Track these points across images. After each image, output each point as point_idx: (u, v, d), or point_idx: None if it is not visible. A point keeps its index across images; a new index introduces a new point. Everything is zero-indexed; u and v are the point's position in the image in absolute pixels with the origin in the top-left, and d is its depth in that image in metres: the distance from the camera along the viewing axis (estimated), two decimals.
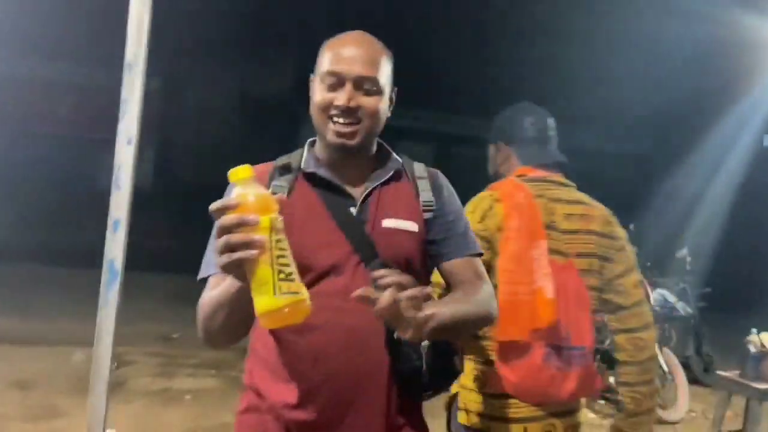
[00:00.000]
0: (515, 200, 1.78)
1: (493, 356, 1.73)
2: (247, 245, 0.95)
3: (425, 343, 1.30)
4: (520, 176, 1.86)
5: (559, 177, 1.88)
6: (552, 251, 1.74)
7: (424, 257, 1.36)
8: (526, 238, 1.73)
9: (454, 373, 1.39)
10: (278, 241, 0.97)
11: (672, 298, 5.75)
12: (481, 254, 1.41)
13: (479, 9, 10.01)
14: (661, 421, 4.87)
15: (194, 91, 13.14)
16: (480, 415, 1.73)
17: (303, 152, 1.40)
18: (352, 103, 1.28)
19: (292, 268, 0.97)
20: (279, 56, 12.97)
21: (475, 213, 1.78)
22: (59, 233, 9.52)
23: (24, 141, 11.91)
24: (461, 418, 1.76)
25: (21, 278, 7.05)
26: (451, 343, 1.37)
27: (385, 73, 1.33)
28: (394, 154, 1.42)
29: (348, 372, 1.24)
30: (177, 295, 7.38)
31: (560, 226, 1.78)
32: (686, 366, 5.47)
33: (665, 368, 5.10)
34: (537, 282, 1.70)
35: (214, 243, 0.99)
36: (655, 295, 5.51)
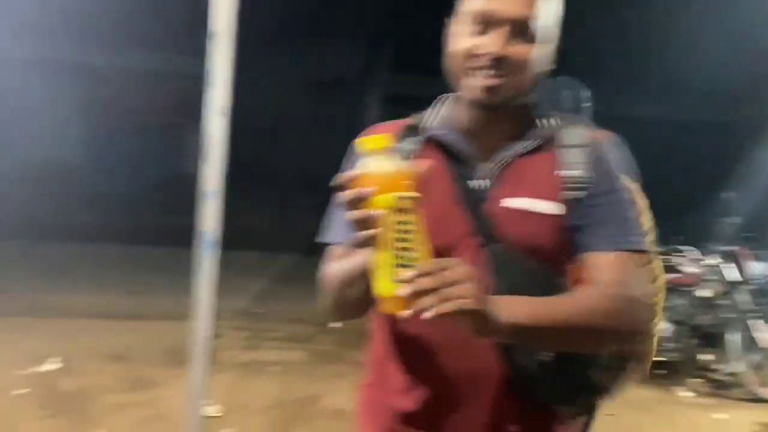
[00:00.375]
0: None
1: None
2: (364, 223, 0.89)
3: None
4: None
5: None
6: None
7: (566, 249, 1.09)
8: None
9: (591, 388, 1.12)
10: (401, 222, 0.88)
11: None
12: (643, 251, 1.10)
13: None
14: (761, 400, 4.60)
15: (262, 77, 13.33)
16: None
17: (435, 110, 1.19)
18: (503, 51, 1.04)
19: (416, 254, 0.88)
20: (345, 39, 12.97)
21: None
22: (146, 215, 9.93)
23: (110, 128, 12.47)
24: None
25: (113, 258, 7.40)
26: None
27: (546, 15, 1.08)
28: (547, 120, 1.15)
29: (452, 369, 1.11)
30: (259, 271, 7.59)
31: None
32: None
33: (763, 345, 4.81)
34: None
35: (335, 212, 0.95)
36: (755, 269, 5.18)
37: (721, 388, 4.82)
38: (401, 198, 0.88)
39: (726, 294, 4.84)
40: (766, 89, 9.13)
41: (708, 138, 10.81)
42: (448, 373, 1.11)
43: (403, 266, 0.88)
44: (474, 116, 1.12)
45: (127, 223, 9.46)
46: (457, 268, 0.89)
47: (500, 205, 1.09)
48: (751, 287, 4.95)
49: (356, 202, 0.89)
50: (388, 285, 0.88)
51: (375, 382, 1.23)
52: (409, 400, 1.14)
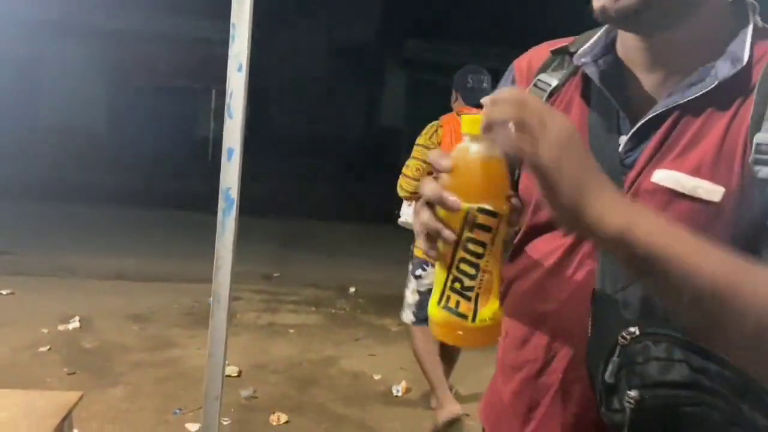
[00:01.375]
0: (451, 126, 3.02)
1: None
2: (434, 231, 0.69)
3: (634, 395, 0.71)
4: (458, 113, 3.07)
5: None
6: None
7: (737, 248, 0.67)
8: (452, 147, 2.54)
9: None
10: (470, 241, 0.69)
11: None
12: None
13: None
14: None
15: (281, 42, 13.23)
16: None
17: (599, 32, 0.87)
18: None
19: (475, 282, 0.70)
20: (364, 2, 12.81)
21: (426, 133, 3.07)
22: (168, 178, 10.00)
23: (133, 92, 12.50)
24: (415, 250, 3.19)
25: (135, 220, 7.48)
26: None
27: None
28: (740, 42, 0.75)
29: (533, 365, 0.88)
30: (275, 237, 7.64)
31: None
32: None
33: None
34: None
35: None
36: None
37: None
38: (480, 210, 0.68)
39: None
40: None
41: None
42: (533, 372, 0.89)
43: (458, 293, 0.71)
44: (629, 43, 0.81)
45: (149, 186, 9.53)
46: (545, 114, 0.63)
47: (650, 179, 0.77)
48: None
49: (431, 202, 0.69)
50: (433, 306, 0.73)
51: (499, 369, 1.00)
52: (507, 386, 0.94)
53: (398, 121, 13.93)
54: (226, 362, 3.63)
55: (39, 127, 10.81)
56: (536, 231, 0.89)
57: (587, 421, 0.81)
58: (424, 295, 3.13)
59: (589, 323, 0.78)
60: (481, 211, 0.68)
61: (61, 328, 4.08)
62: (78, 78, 11.99)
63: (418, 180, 2.98)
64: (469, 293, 0.71)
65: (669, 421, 0.70)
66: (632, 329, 0.72)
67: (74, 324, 4.15)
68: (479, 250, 0.70)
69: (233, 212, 1.88)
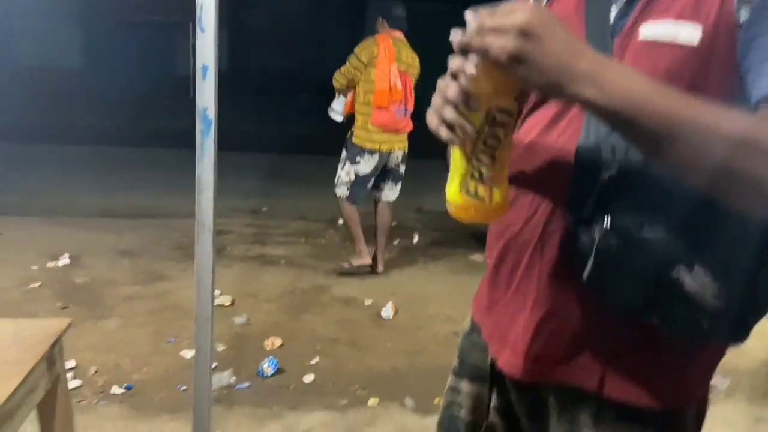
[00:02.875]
0: (386, 44, 4.02)
1: (372, 111, 4.04)
2: (451, 126, 0.78)
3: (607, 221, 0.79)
4: (387, 34, 4.08)
5: (402, 36, 4.15)
6: (399, 68, 4.03)
7: (719, 92, 0.76)
8: (387, 61, 4.00)
9: (678, 295, 0.78)
10: (489, 136, 0.80)
11: None
12: None
13: None
14: None
15: None
16: (363, 138, 4.13)
17: None
18: None
19: (491, 171, 0.82)
20: None
21: (362, 49, 4.04)
22: (149, 116, 9.83)
23: (109, 29, 12.10)
24: (354, 140, 4.16)
25: (117, 159, 7.38)
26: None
27: None
28: None
29: (515, 226, 0.94)
30: (261, 172, 7.59)
31: (402, 58, 4.07)
32: None
33: None
34: (393, 80, 4.00)
35: None
36: None
37: None
38: (498, 109, 0.79)
39: None
40: None
41: None
42: (511, 229, 0.95)
43: (476, 179, 0.83)
44: None
45: (130, 125, 9.37)
46: (510, 12, 0.69)
47: (634, 35, 0.84)
48: None
49: (454, 98, 0.77)
50: (455, 192, 0.85)
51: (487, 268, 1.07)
52: (491, 262, 1.01)
53: None
54: (218, 292, 3.67)
55: (14, 67, 10.49)
56: (530, 110, 0.96)
57: (562, 271, 0.88)
58: (358, 178, 4.18)
59: (572, 171, 0.85)
60: (499, 109, 0.79)
61: (50, 264, 4.08)
62: (54, 16, 11.58)
63: (345, 77, 4.09)
64: (487, 180, 0.83)
65: (627, 246, 0.77)
66: (611, 171, 0.80)
67: (64, 260, 4.14)
68: (495, 143, 0.81)
69: (212, 133, 1.84)
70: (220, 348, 3.07)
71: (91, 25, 12.25)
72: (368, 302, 3.81)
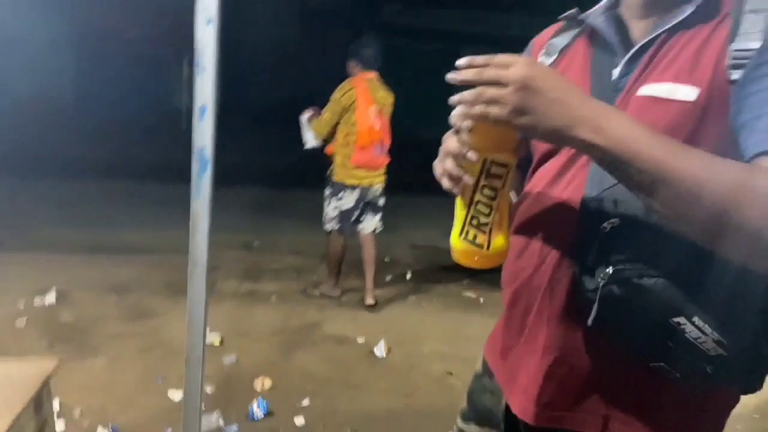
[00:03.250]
0: (362, 87, 4.19)
1: (351, 152, 4.21)
2: (450, 177, 0.89)
3: (608, 270, 0.83)
4: (361, 76, 4.23)
5: (375, 76, 4.29)
6: (376, 109, 4.20)
7: (713, 146, 0.80)
8: (365, 104, 4.16)
9: (685, 346, 0.80)
10: (485, 187, 0.89)
11: None
12: None
13: None
14: None
15: (254, 8, 12.93)
16: (343, 175, 4.28)
17: None
18: None
19: (489, 219, 0.91)
20: None
21: (341, 90, 4.21)
22: (142, 149, 9.81)
23: (102, 62, 12.15)
24: (335, 178, 4.32)
25: (108, 193, 7.33)
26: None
27: None
28: None
29: (526, 271, 0.99)
30: (253, 206, 7.56)
31: (378, 99, 4.23)
32: None
33: None
34: (372, 122, 4.18)
35: None
36: None
37: None
38: (493, 162, 0.88)
39: None
40: None
41: None
42: (521, 275, 1.00)
43: (474, 227, 0.91)
44: (630, 1, 0.97)
45: (122, 158, 9.35)
46: (506, 65, 0.76)
47: (637, 94, 0.90)
48: None
49: (458, 156, 0.87)
50: (456, 238, 0.93)
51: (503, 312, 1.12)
52: (507, 307, 1.06)
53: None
54: (208, 329, 3.61)
55: (4, 98, 10.50)
56: (540, 161, 1.04)
57: (571, 317, 0.92)
58: (344, 213, 4.37)
59: (577, 220, 0.90)
60: (495, 162, 0.88)
61: (37, 301, 4.01)
62: (46, 48, 11.64)
63: (329, 125, 4.26)
64: (484, 228, 0.91)
65: (628, 295, 0.81)
66: (613, 220, 0.84)
67: (51, 297, 4.07)
68: (493, 194, 0.90)
69: (208, 172, 1.83)
70: (208, 389, 3.01)
71: (83, 57, 12.32)
72: (361, 340, 3.77)
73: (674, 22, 0.89)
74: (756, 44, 0.81)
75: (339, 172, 4.33)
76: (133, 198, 7.12)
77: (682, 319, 0.79)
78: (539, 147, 1.03)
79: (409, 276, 5.24)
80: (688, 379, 0.85)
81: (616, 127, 0.75)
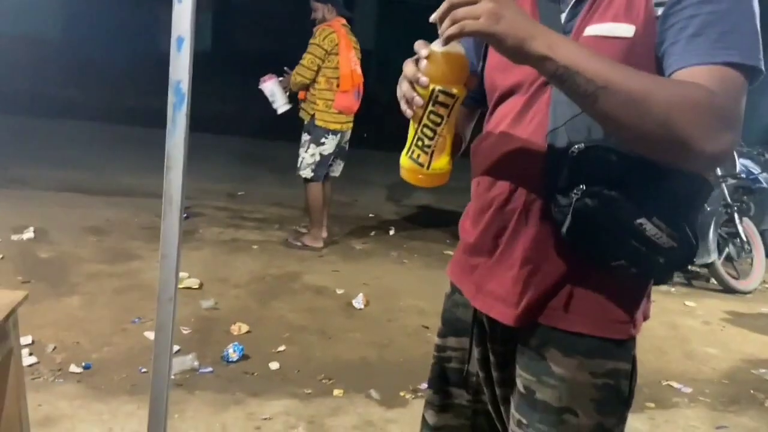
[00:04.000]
0: (341, 31, 4.26)
1: (334, 96, 4.27)
2: (406, 99, 0.98)
3: (581, 187, 0.96)
4: (337, 20, 4.31)
5: (346, 22, 4.38)
6: (355, 53, 4.35)
7: (650, 73, 0.94)
8: (347, 48, 4.26)
9: (635, 236, 0.95)
10: (432, 112, 0.97)
11: (756, 169, 5.41)
12: (732, 63, 0.91)
13: None
14: (734, 291, 4.73)
15: None
16: (327, 120, 4.32)
17: None
18: None
19: (432, 142, 0.99)
20: None
21: (320, 35, 4.22)
22: (126, 93, 9.61)
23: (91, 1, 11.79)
24: (317, 123, 4.32)
25: (92, 135, 7.21)
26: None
27: None
28: None
29: (500, 198, 1.10)
30: (240, 155, 7.49)
31: (354, 45, 4.35)
32: (764, 238, 5.24)
33: (743, 238, 4.89)
34: (353, 66, 4.31)
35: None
36: (739, 164, 5.18)
37: (695, 278, 4.94)
38: (440, 91, 0.96)
39: None
40: None
41: None
42: (493, 203, 1.12)
43: (419, 147, 1.00)
44: None
45: (108, 100, 9.16)
46: None
47: (583, 34, 1.02)
48: (732, 182, 4.97)
49: (412, 81, 0.97)
50: (403, 155, 1.02)
51: (460, 242, 1.24)
52: (469, 236, 1.18)
53: (368, 43, 13.52)
54: (187, 274, 3.59)
55: None
56: (499, 101, 1.14)
57: (545, 232, 1.05)
58: (323, 158, 4.37)
59: (546, 150, 1.02)
60: (441, 91, 0.96)
61: (14, 237, 3.97)
62: None
63: (312, 69, 4.22)
64: (427, 149, 1.00)
65: (599, 205, 0.95)
66: (579, 145, 0.97)
67: (28, 234, 4.03)
68: (438, 119, 0.98)
69: (184, 107, 1.76)
70: (185, 331, 3.01)
71: None
72: (340, 291, 3.77)
73: None
74: None
75: (321, 117, 4.31)
76: (119, 141, 7.01)
77: (643, 220, 0.95)
78: (498, 87, 1.13)
79: (392, 232, 5.24)
80: (644, 272, 1.03)
81: (566, 45, 0.89)
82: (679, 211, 0.97)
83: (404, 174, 1.04)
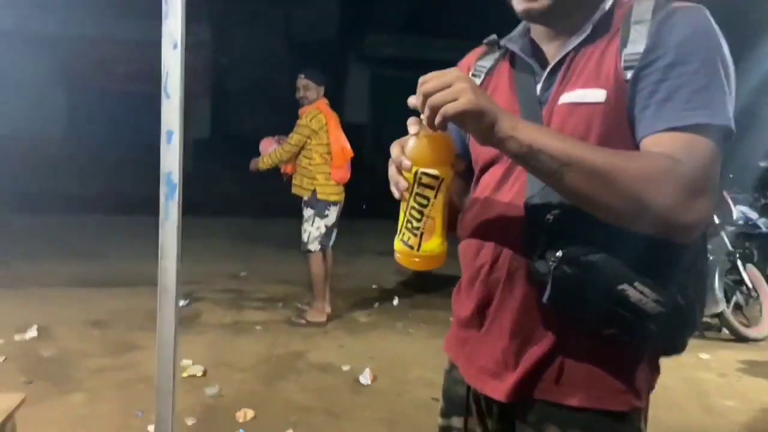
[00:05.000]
0: (326, 111, 4.48)
1: (330, 170, 4.43)
2: (395, 182, 0.99)
3: (558, 254, 0.96)
4: (322, 101, 4.51)
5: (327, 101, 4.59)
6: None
7: (624, 135, 0.99)
8: (335, 127, 4.47)
9: (622, 304, 0.94)
10: (418, 194, 0.98)
11: (754, 215, 5.42)
12: (700, 125, 0.92)
13: None
14: (746, 339, 4.65)
15: (242, 40, 13.08)
16: (328, 193, 4.45)
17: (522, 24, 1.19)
18: None
19: (420, 224, 0.99)
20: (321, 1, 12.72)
21: (308, 116, 4.42)
22: (124, 183, 9.78)
23: (86, 98, 12.19)
24: (320, 197, 4.43)
25: (92, 227, 7.29)
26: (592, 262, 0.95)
27: None
28: (606, 3, 1.06)
29: (485, 268, 1.10)
30: (241, 236, 7.54)
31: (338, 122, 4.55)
32: None
33: (749, 285, 4.84)
34: (342, 143, 4.49)
35: None
36: (736, 211, 5.19)
37: (707, 329, 4.86)
38: (424, 173, 0.96)
39: (710, 236, 4.83)
40: None
41: None
42: (481, 274, 1.11)
43: (410, 231, 0.99)
44: (539, 27, 1.12)
45: (107, 192, 9.31)
46: (442, 76, 0.90)
47: (558, 103, 1.05)
48: (732, 229, 4.97)
49: (396, 165, 0.98)
50: (396, 239, 1.02)
51: (454, 315, 1.24)
52: (462, 308, 1.17)
53: (361, 117, 13.85)
54: (190, 362, 3.55)
55: None
56: (483, 170, 1.16)
57: (530, 301, 1.04)
58: (328, 229, 4.48)
59: (524, 217, 1.03)
60: (425, 174, 0.96)
61: (17, 338, 3.94)
62: (36, 85, 11.69)
63: (296, 149, 4.42)
64: (415, 231, 0.99)
65: (578, 272, 0.94)
66: (555, 212, 0.97)
67: (32, 333, 4.00)
68: (424, 201, 0.98)
69: (176, 197, 1.81)
70: (189, 422, 2.95)
71: (71, 94, 12.36)
72: (346, 368, 3.71)
73: (579, 41, 1.05)
74: (641, 47, 0.97)
75: (323, 191, 4.44)
76: (118, 231, 7.09)
77: (625, 286, 0.93)
78: (480, 158, 1.16)
79: (396, 302, 5.20)
80: (636, 341, 0.99)
81: (528, 126, 0.92)
82: (663, 275, 0.94)
83: (398, 258, 1.03)
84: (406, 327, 4.59)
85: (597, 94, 1.00)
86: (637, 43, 0.98)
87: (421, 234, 0.98)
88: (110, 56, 12.19)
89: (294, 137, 4.41)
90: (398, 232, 1.01)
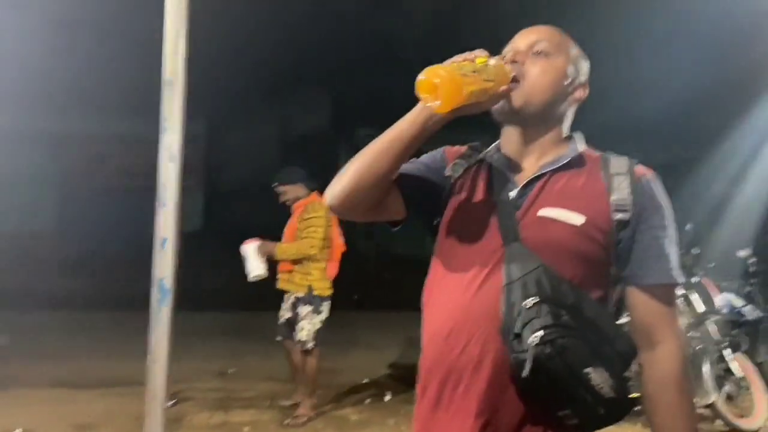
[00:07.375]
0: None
1: (326, 265, 4.48)
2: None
3: (537, 334, 1.08)
4: (315, 195, 4.48)
5: None
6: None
7: (597, 261, 1.19)
8: (335, 221, 4.45)
9: (590, 393, 1.08)
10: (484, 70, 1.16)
11: (739, 302, 5.47)
12: (677, 284, 1.23)
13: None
14: (740, 431, 4.59)
15: (237, 134, 13.45)
16: (323, 288, 4.47)
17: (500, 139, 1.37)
18: (516, 58, 1.24)
19: (473, 74, 1.14)
20: (316, 95, 13.21)
21: (320, 210, 4.34)
22: (113, 279, 9.75)
23: (77, 195, 12.35)
24: (316, 293, 4.42)
25: (79, 325, 7.20)
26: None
27: (558, 43, 1.28)
28: (579, 144, 1.30)
29: (455, 351, 1.19)
30: (230, 331, 7.45)
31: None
32: (761, 371, 5.16)
33: (739, 375, 4.83)
34: (339, 237, 4.57)
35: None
36: (720, 299, 5.24)
37: (702, 420, 4.80)
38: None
39: (696, 325, 4.86)
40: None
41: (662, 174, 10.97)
42: (447, 361, 1.20)
43: (461, 67, 1.16)
44: (513, 137, 1.30)
45: (98, 288, 9.25)
46: None
47: (532, 213, 1.21)
48: (718, 318, 5.00)
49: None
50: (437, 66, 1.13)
51: (420, 398, 1.31)
52: (430, 386, 1.24)
53: None
54: None
55: None
56: (450, 254, 1.29)
57: (498, 383, 1.14)
58: (322, 323, 4.45)
59: (502, 303, 1.14)
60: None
61: None
62: (22, 181, 11.86)
63: (323, 240, 4.38)
64: (468, 74, 1.15)
65: (554, 353, 1.05)
66: (532, 299, 1.09)
67: None
68: (484, 71, 1.18)
69: (168, 303, 1.86)
70: None
71: (56, 190, 12.53)
72: None
73: (556, 166, 1.25)
74: (626, 195, 1.20)
75: (319, 286, 4.45)
76: (107, 329, 7.00)
77: (590, 369, 1.05)
78: (455, 233, 1.28)
79: (387, 398, 5.12)
80: (587, 421, 1.10)
81: None
82: (620, 363, 1.10)
83: (425, 71, 1.14)
84: (398, 424, 4.51)
85: (576, 218, 1.18)
86: (622, 191, 1.20)
87: (468, 80, 1.11)
88: (105, 153, 12.48)
89: (318, 231, 4.33)
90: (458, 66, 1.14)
